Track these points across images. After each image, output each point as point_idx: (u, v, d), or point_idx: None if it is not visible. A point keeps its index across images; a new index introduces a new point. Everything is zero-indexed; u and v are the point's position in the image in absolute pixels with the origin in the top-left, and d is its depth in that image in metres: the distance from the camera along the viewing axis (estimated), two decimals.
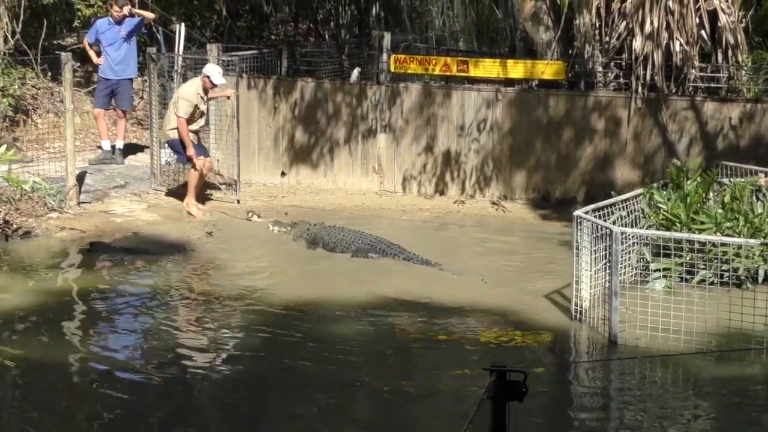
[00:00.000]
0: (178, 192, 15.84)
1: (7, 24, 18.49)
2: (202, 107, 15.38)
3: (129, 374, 9.82)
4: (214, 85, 15.27)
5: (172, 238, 14.12)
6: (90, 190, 15.78)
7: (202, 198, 15.71)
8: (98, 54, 17.27)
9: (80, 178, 15.59)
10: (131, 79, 17.63)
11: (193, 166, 15.16)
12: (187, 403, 9.36)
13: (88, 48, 17.40)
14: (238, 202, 15.81)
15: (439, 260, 13.00)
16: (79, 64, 19.28)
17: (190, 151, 15.10)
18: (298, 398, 9.31)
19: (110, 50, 17.04)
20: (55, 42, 21.53)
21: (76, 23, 20.47)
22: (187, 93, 15.21)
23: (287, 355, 10.33)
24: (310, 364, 10.08)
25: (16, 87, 17.86)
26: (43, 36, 19.13)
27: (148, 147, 16.71)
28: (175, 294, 12.06)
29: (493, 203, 16.00)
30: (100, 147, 17.54)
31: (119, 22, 16.96)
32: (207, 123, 16.11)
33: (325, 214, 14.68)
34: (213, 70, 15.26)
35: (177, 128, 15.07)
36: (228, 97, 15.91)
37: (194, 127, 15.34)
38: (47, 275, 12.64)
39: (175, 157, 15.97)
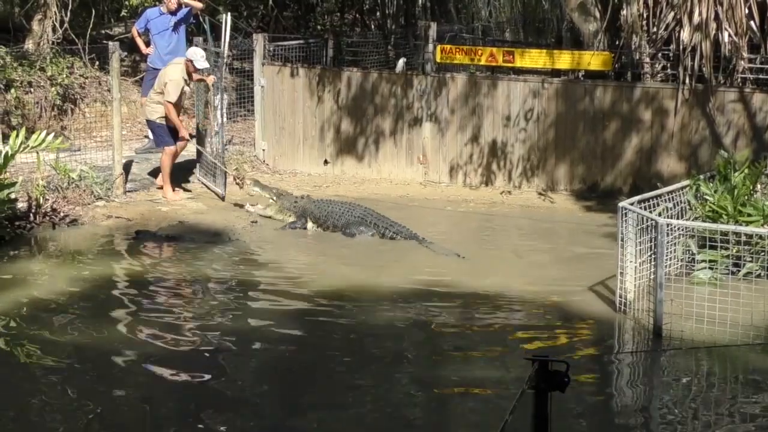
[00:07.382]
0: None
1: (55, 13, 18.69)
2: (186, 90, 15.39)
3: (174, 359, 9.87)
4: (197, 69, 15.24)
5: (218, 227, 14.19)
6: (136, 179, 15.90)
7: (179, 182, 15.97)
8: (147, 44, 17.37)
9: (127, 167, 15.71)
10: None
11: (167, 151, 15.25)
12: (229, 387, 9.41)
13: (136, 37, 17.48)
14: (223, 198, 15.48)
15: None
16: (126, 53, 19.42)
17: (184, 132, 15.20)
18: (337, 384, 9.33)
19: (160, 39, 17.10)
20: (103, 32, 21.74)
21: (123, 13, 20.65)
22: (175, 77, 15.18)
23: (328, 341, 10.37)
24: (349, 352, 10.13)
25: (65, 76, 18.04)
26: (91, 25, 19.29)
27: (194, 136, 16.77)
28: (221, 282, 12.11)
29: (540, 194, 15.95)
30: (146, 136, 17.62)
31: (173, 12, 17.01)
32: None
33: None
34: (196, 54, 15.21)
35: (165, 115, 15.10)
36: (204, 80, 15.62)
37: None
38: (93, 263, 12.74)
39: (151, 139, 16.01)
